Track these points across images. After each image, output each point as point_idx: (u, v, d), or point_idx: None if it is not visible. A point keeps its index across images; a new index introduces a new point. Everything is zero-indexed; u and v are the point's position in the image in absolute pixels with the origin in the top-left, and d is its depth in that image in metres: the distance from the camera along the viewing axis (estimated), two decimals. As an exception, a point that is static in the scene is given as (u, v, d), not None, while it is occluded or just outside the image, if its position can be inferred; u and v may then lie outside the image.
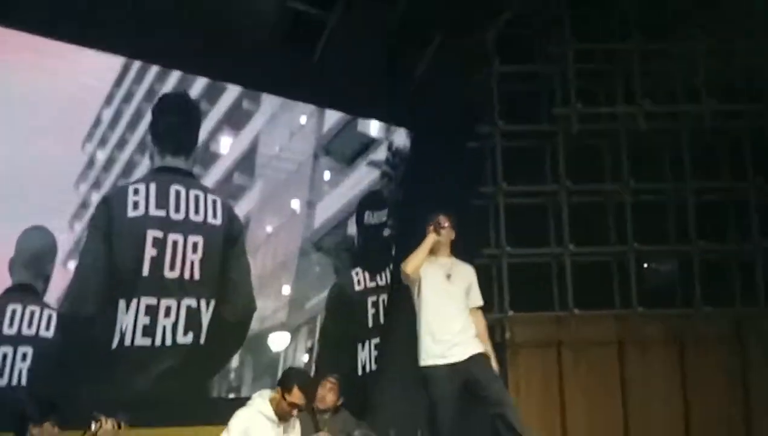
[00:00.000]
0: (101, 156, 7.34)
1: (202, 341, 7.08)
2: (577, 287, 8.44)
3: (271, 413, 5.55)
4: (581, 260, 8.53)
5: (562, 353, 8.48)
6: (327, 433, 6.32)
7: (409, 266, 6.05)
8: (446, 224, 6.22)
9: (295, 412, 5.61)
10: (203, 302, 7.12)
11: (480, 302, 6.31)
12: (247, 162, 8.06)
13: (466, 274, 6.27)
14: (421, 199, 7.95)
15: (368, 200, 8.54)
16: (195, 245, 7.15)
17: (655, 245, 8.73)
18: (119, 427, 5.32)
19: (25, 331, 6.60)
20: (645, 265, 8.84)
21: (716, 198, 8.77)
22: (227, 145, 7.99)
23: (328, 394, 6.55)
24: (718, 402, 8.31)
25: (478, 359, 6.02)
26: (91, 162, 7.27)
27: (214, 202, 7.30)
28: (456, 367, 5.95)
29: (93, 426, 5.27)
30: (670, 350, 8.56)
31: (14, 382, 6.51)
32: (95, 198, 7.12)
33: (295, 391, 5.56)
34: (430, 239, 6.12)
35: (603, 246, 8.74)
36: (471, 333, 6.09)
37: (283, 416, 5.58)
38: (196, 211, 7.19)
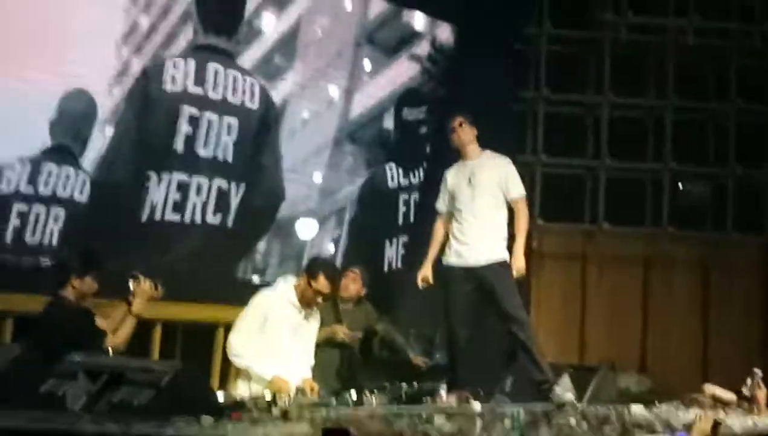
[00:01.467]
0: (144, 21, 7.24)
1: (230, 223, 7.10)
2: (609, 201, 8.37)
3: (294, 298, 5.58)
4: (616, 175, 8.44)
5: (587, 267, 8.48)
6: (346, 326, 6.37)
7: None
8: (455, 126, 6.09)
9: (319, 299, 5.64)
10: (233, 185, 7.12)
11: (516, 194, 6.09)
12: (288, 43, 7.94)
13: (494, 171, 6.08)
14: (460, 98, 7.82)
15: (408, 96, 8.42)
16: (230, 127, 7.11)
17: (692, 165, 8.62)
18: (156, 288, 5.38)
19: (59, 192, 6.63)
20: (680, 185, 8.73)
21: (758, 121, 8.61)
22: (270, 24, 7.86)
23: (351, 284, 6.57)
24: (737, 328, 8.31)
25: (497, 268, 5.94)
26: (134, 26, 7.18)
27: (252, 85, 7.22)
28: (473, 271, 5.93)
29: (131, 284, 5.33)
30: (695, 272, 8.54)
31: (45, 242, 6.56)
32: (136, 64, 7.05)
33: (321, 279, 5.58)
34: (437, 240, 6.11)
35: (639, 163, 8.64)
36: (493, 238, 5.99)
37: (306, 303, 5.61)
38: (234, 93, 7.13)
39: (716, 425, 4.33)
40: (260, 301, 5.57)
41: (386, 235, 8.04)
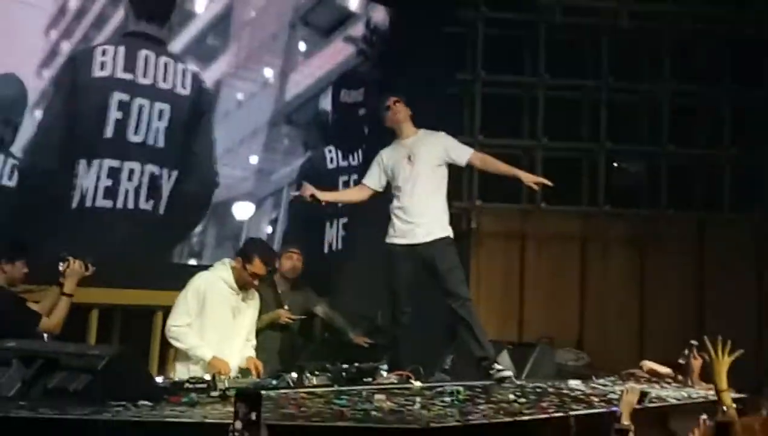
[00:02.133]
0: (73, 4, 7.10)
1: (161, 210, 7.02)
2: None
3: (231, 280, 5.56)
4: (552, 155, 8.53)
5: (525, 245, 8.57)
6: (287, 310, 6.35)
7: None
8: (390, 104, 6.09)
9: (255, 282, 5.62)
10: (165, 172, 7.03)
11: (468, 154, 6.11)
12: (221, 24, 7.84)
13: (434, 146, 6.06)
14: (398, 80, 7.81)
15: (344, 79, 8.38)
16: (161, 113, 7.01)
17: (626, 144, 8.74)
18: (86, 268, 5.37)
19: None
20: (615, 164, 8.85)
21: (690, 103, 8.76)
22: (202, 5, 7.75)
23: (296, 263, 6.54)
24: (672, 303, 8.47)
25: (440, 244, 5.96)
26: (62, 9, 7.04)
27: (184, 71, 7.13)
28: (414, 248, 5.93)
29: (61, 266, 5.32)
30: (631, 249, 8.69)
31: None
32: (65, 47, 6.91)
33: (257, 261, 5.56)
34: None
35: (575, 142, 8.74)
36: (436, 215, 6.01)
37: (243, 286, 5.59)
38: (164, 79, 7.02)
39: (642, 396, 4.40)
40: (198, 284, 5.53)
41: (325, 216, 8.00)
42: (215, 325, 5.48)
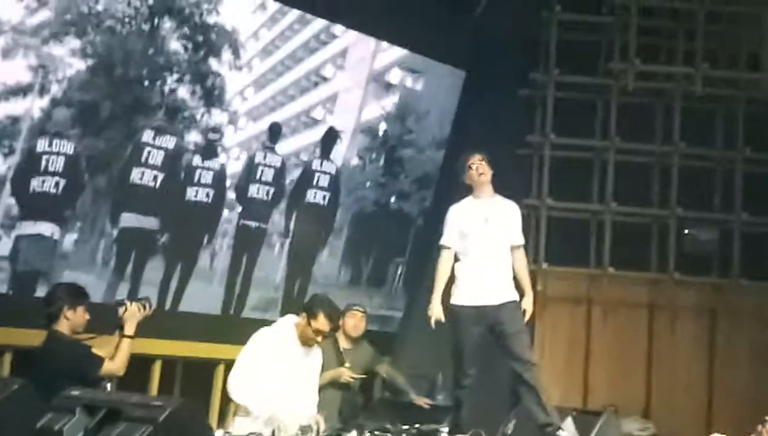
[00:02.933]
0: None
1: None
2: (614, 246, 8.36)
3: (293, 336, 5.57)
4: (621, 220, 8.44)
5: (591, 310, 8.44)
6: (349, 368, 6.33)
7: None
8: (474, 162, 6.05)
9: (319, 338, 5.62)
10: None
11: (520, 241, 6.12)
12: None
13: (506, 212, 6.08)
14: (467, 142, 7.84)
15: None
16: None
17: (698, 211, 8.61)
18: (144, 308, 5.43)
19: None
20: (686, 231, 8.71)
21: (765, 170, 8.62)
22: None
23: (360, 323, 6.55)
24: (744, 377, 8.24)
25: (509, 307, 5.92)
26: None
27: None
28: (484, 311, 5.88)
29: (120, 310, 5.39)
30: (701, 319, 8.50)
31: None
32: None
33: (321, 317, 5.57)
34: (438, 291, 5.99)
35: (645, 208, 8.64)
36: (506, 279, 5.98)
37: (306, 342, 5.59)
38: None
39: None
40: (260, 339, 5.56)
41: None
42: (276, 381, 5.48)
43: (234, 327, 6.39)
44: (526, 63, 8.59)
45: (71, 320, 5.28)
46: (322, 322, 5.58)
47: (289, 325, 5.64)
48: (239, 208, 7.42)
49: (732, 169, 8.61)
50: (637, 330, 8.44)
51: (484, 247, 5.96)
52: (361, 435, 5.11)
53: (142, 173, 6.72)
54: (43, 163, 6.22)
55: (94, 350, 5.31)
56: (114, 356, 5.29)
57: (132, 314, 5.37)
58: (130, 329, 5.36)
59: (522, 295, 6.02)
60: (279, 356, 5.53)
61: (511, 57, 8.33)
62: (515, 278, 6.08)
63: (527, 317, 5.99)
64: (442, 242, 6.10)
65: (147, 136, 6.72)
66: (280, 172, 7.59)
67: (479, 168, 6.03)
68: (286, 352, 5.57)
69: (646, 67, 8.52)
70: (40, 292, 6.33)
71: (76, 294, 5.38)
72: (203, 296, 7.20)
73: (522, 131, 8.57)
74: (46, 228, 6.37)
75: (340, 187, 8.03)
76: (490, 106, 8.22)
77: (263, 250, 7.59)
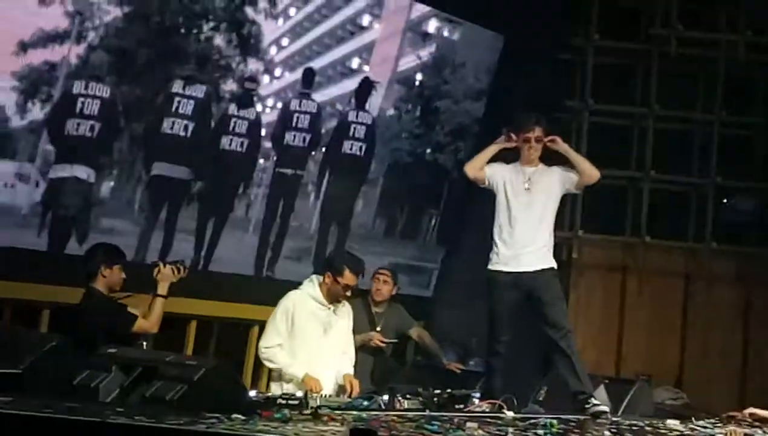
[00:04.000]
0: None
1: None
2: (651, 214, 8.29)
3: (320, 296, 5.60)
4: (659, 187, 8.36)
5: (627, 279, 8.40)
6: (380, 329, 6.35)
7: (469, 166, 6.02)
8: (532, 136, 5.98)
9: (348, 293, 5.64)
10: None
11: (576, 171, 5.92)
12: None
13: (549, 177, 5.94)
14: (502, 107, 7.79)
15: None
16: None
17: (737, 180, 8.51)
18: (178, 271, 5.53)
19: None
20: (724, 200, 8.62)
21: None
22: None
23: (383, 286, 6.53)
24: (778, 347, 8.19)
25: (546, 274, 5.88)
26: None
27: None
28: (520, 277, 5.86)
29: (154, 272, 5.50)
30: (736, 288, 8.43)
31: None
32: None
33: (347, 273, 5.60)
34: (495, 145, 6.00)
35: (684, 176, 8.55)
36: (544, 245, 5.94)
37: (335, 299, 5.62)
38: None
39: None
40: (286, 304, 5.60)
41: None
42: (306, 343, 5.53)
43: (269, 288, 6.43)
44: (566, 28, 8.49)
45: (108, 279, 5.41)
46: (348, 277, 5.60)
47: (312, 285, 5.66)
48: (275, 157, 7.44)
49: (772, 138, 8.50)
50: (673, 299, 8.40)
51: (523, 212, 5.93)
52: (392, 399, 5.11)
53: (173, 123, 6.75)
54: (79, 105, 6.27)
55: (130, 309, 5.43)
56: (147, 314, 5.41)
57: (165, 275, 5.48)
58: (162, 289, 5.47)
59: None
60: (305, 318, 5.56)
61: (551, 22, 8.23)
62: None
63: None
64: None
65: (177, 86, 6.75)
66: (316, 119, 7.60)
67: (534, 145, 5.95)
68: (312, 313, 5.59)
69: (688, 33, 8.40)
70: (73, 244, 6.41)
71: (113, 253, 5.51)
72: (238, 246, 7.25)
73: (561, 96, 8.49)
74: (82, 171, 6.42)
75: (375, 137, 8.02)
76: (529, 69, 8.14)
77: (298, 199, 7.62)
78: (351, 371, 5.70)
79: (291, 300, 5.61)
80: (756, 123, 8.60)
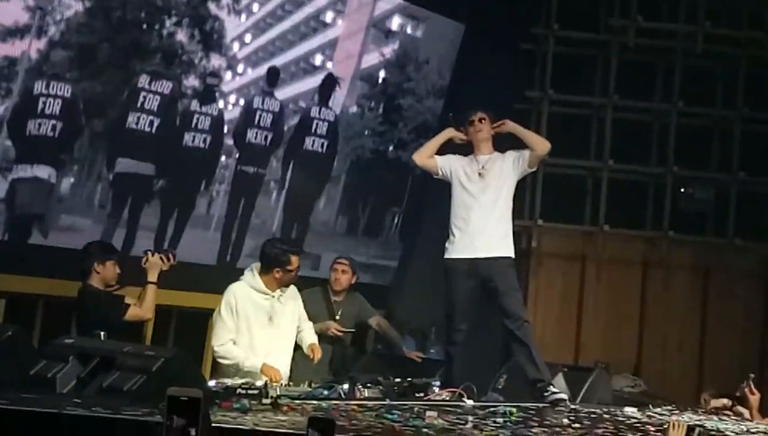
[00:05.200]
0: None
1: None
2: (610, 204, 8.36)
3: (261, 285, 5.56)
4: (618, 177, 8.43)
5: (586, 267, 8.46)
6: (339, 318, 6.35)
7: (417, 154, 6.11)
8: (475, 120, 6.03)
9: (295, 276, 5.65)
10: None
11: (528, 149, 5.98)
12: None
13: (502, 162, 5.98)
14: (466, 96, 7.80)
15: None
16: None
17: (695, 170, 8.60)
18: (168, 260, 5.66)
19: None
20: (682, 190, 8.71)
21: (763, 130, 8.60)
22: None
23: (342, 276, 6.51)
24: (734, 333, 8.31)
25: (502, 263, 5.91)
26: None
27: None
28: (476, 264, 5.88)
29: (142, 260, 5.63)
30: (694, 277, 8.53)
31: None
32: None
33: (293, 259, 5.58)
34: (445, 132, 6.07)
35: (642, 165, 8.63)
36: (501, 234, 5.97)
37: (286, 286, 5.62)
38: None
39: (690, 431, 4.27)
40: (228, 299, 5.54)
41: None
42: (257, 334, 5.50)
43: (229, 277, 6.39)
44: (526, 17, 8.53)
45: (101, 274, 5.58)
46: (294, 261, 5.60)
47: (252, 275, 5.61)
48: (237, 154, 7.41)
49: (730, 129, 8.59)
50: (631, 288, 8.48)
51: (477, 199, 5.95)
52: (352, 388, 5.11)
53: (138, 118, 6.70)
54: (40, 105, 6.22)
55: (128, 300, 5.60)
56: (140, 302, 5.59)
57: (154, 263, 5.61)
58: (152, 276, 5.62)
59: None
60: (250, 310, 5.52)
61: (511, 11, 8.26)
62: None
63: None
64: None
65: (143, 80, 6.70)
66: (279, 118, 7.57)
67: (477, 127, 6.03)
68: (256, 304, 5.55)
69: (647, 24, 8.47)
70: (35, 238, 6.33)
71: (105, 250, 5.71)
72: (200, 242, 7.21)
73: (521, 87, 8.52)
74: (43, 171, 6.37)
75: (338, 134, 8.00)
76: (489, 60, 8.16)
77: (260, 197, 7.60)
78: (315, 339, 5.78)
79: (232, 293, 5.55)
80: (713, 113, 8.68)
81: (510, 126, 6.06)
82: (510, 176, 6.00)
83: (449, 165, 6.03)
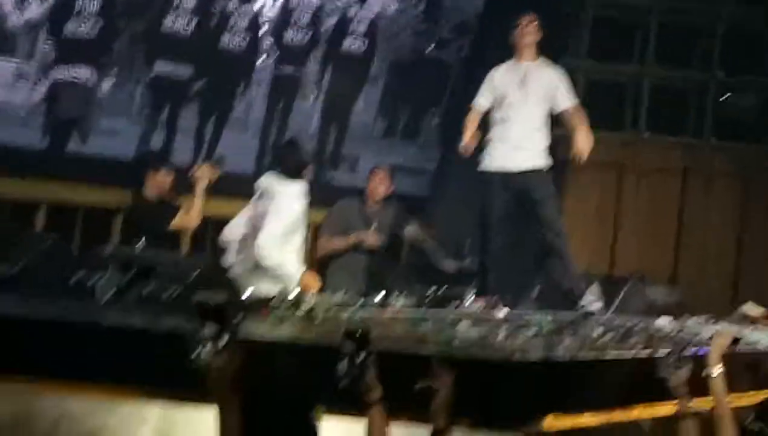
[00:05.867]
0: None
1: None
2: (651, 110, 8.22)
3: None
4: (660, 83, 8.27)
5: (623, 176, 8.36)
6: (374, 228, 6.36)
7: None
8: (525, 24, 5.92)
9: None
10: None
11: (566, 104, 5.94)
12: None
13: (547, 78, 5.93)
14: (504, 3, 7.64)
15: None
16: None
17: (739, 76, 8.41)
18: (216, 170, 5.81)
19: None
20: (725, 96, 8.54)
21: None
22: None
23: (379, 185, 6.51)
24: (773, 244, 8.21)
25: (538, 174, 5.88)
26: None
27: None
28: (513, 177, 5.85)
29: (191, 171, 5.79)
30: (734, 184, 8.40)
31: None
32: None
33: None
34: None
35: (685, 70, 8.45)
36: (538, 144, 5.92)
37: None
38: None
39: (736, 340, 4.28)
40: (291, 210, 5.55)
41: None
42: (296, 239, 5.49)
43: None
44: None
45: (156, 183, 5.79)
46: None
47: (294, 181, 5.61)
48: (275, 55, 7.34)
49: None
50: (669, 196, 8.35)
51: (516, 110, 5.89)
52: (387, 298, 5.16)
53: (176, 19, 6.66)
54: (79, 4, 6.19)
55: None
56: (187, 210, 5.76)
57: (202, 174, 5.73)
58: (200, 188, 5.75)
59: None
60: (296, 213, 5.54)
61: None
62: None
63: (583, 149, 5.93)
64: (477, 100, 6.03)
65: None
66: (317, 16, 7.48)
67: (523, 30, 5.90)
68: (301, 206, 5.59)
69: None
70: (74, 143, 6.37)
71: (156, 159, 5.97)
72: (238, 146, 7.21)
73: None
74: (82, 73, 6.39)
75: (377, 34, 7.89)
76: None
77: (298, 98, 7.55)
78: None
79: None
80: (757, 18, 8.44)
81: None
82: (550, 92, 5.91)
83: (491, 93, 5.93)
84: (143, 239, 5.16)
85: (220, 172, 5.81)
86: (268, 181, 5.54)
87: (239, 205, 6.77)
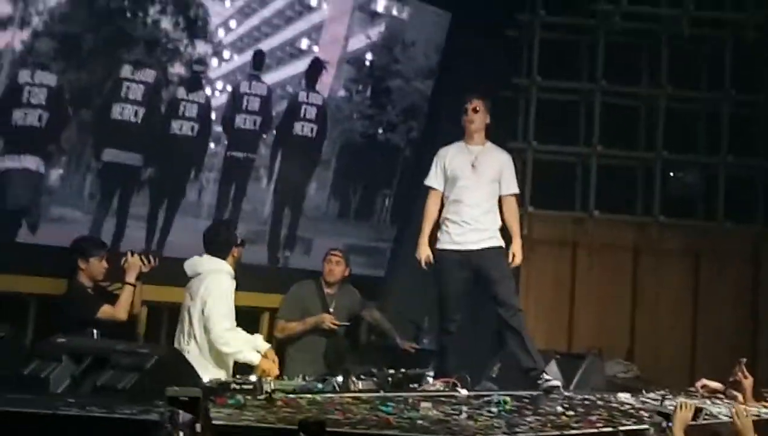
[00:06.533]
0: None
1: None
2: (600, 189, 8.35)
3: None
4: (607, 163, 8.43)
5: (577, 254, 8.45)
6: (332, 311, 6.35)
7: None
8: (472, 109, 6.03)
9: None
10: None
11: (512, 190, 6.14)
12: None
13: (497, 161, 6.08)
14: (452, 86, 7.79)
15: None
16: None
17: (683, 154, 8.60)
18: (148, 262, 5.72)
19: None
20: (671, 174, 8.71)
21: (752, 113, 8.60)
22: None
23: (335, 267, 6.52)
24: (726, 317, 8.30)
25: (493, 253, 5.94)
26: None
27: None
28: (468, 255, 5.90)
29: (122, 260, 5.71)
30: (685, 261, 8.52)
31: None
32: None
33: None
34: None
35: (631, 151, 8.62)
36: (491, 224, 5.99)
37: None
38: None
39: (698, 412, 4.30)
40: (228, 286, 5.57)
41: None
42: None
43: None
44: (511, 4, 8.50)
45: (86, 270, 5.59)
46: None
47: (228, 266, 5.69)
48: (225, 141, 7.38)
49: (718, 112, 8.57)
50: (622, 273, 8.46)
51: (470, 193, 5.97)
52: (347, 380, 5.12)
53: (123, 109, 6.68)
54: (26, 95, 6.19)
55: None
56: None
57: (133, 264, 5.65)
58: (130, 276, 5.65)
59: (510, 242, 6.04)
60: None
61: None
62: (504, 225, 6.08)
63: (517, 261, 6.01)
64: (428, 181, 6.12)
65: (126, 71, 6.66)
66: (267, 101, 7.54)
67: (474, 115, 6.02)
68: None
69: (632, 8, 8.46)
70: (24, 234, 6.30)
71: (89, 246, 5.71)
72: (191, 232, 7.16)
73: (508, 74, 8.50)
74: (31, 162, 6.35)
75: (327, 118, 7.96)
76: (475, 48, 8.14)
77: (250, 182, 7.57)
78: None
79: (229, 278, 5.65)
80: (701, 97, 8.68)
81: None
82: (498, 175, 6.03)
83: (443, 174, 6.03)
84: (74, 327, 5.12)
85: (153, 263, 5.72)
86: (196, 261, 5.72)
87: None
